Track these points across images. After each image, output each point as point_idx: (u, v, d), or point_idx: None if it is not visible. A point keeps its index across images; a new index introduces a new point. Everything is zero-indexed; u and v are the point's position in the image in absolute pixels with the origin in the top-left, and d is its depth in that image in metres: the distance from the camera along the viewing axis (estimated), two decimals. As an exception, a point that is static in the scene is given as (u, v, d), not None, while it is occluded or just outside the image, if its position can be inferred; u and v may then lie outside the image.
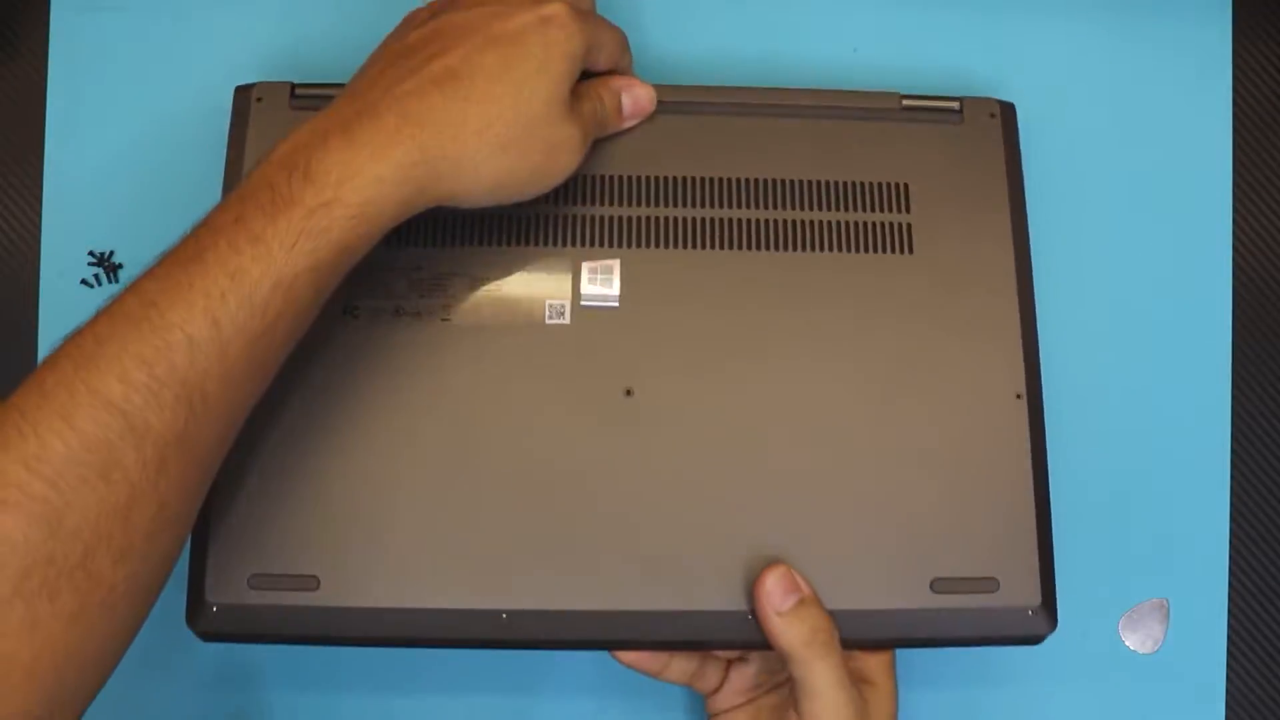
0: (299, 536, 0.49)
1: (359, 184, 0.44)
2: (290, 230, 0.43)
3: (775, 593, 0.48)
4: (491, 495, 0.50)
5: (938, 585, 0.50)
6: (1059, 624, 0.57)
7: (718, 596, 0.50)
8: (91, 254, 0.58)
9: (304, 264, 0.43)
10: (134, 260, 0.58)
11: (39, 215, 0.58)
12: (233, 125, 0.55)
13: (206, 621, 0.48)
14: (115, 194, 0.58)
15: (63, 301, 0.58)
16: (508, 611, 0.49)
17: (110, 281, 0.58)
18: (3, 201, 0.59)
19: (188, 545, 0.47)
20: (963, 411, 0.52)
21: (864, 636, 0.50)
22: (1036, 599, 0.51)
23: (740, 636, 0.50)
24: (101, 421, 0.40)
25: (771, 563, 0.49)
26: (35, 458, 0.39)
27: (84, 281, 0.58)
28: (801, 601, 0.48)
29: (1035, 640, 0.51)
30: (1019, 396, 0.53)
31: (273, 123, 0.54)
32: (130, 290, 0.43)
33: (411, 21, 0.51)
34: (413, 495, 0.50)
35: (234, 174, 0.54)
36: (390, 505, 0.50)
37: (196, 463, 0.43)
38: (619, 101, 0.53)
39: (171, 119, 0.59)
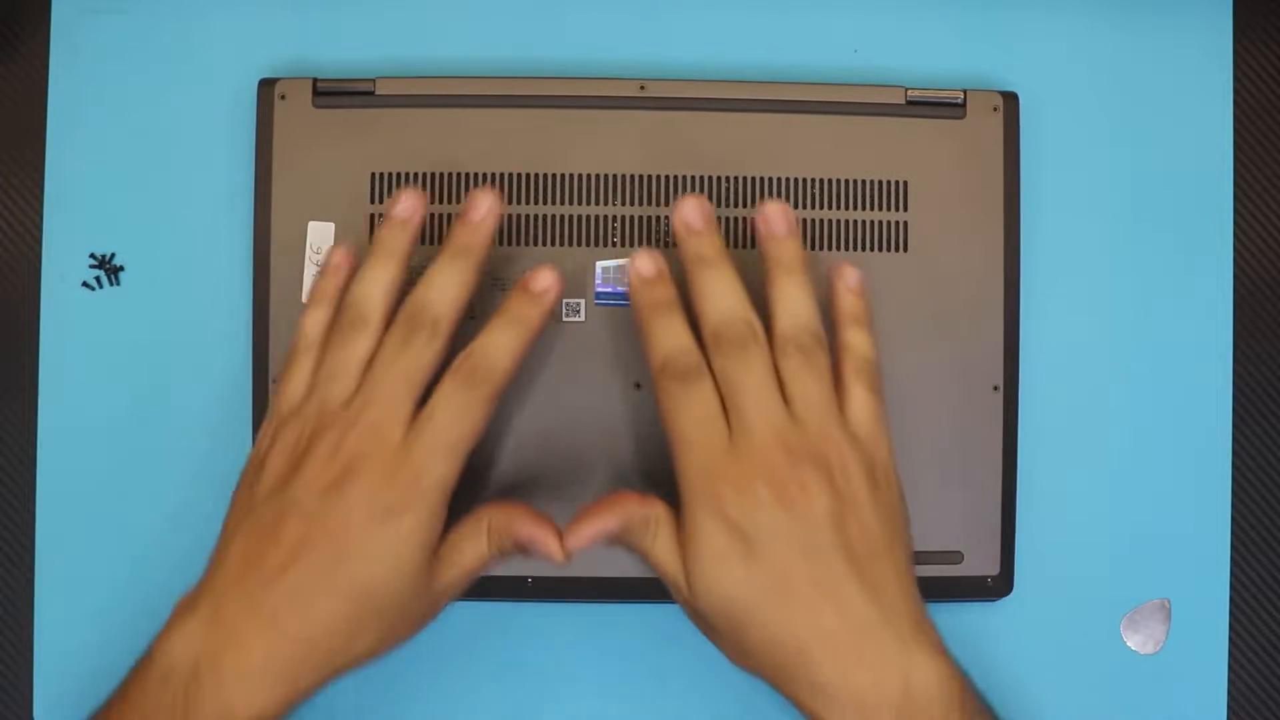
0: None
1: None
2: None
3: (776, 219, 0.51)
4: (514, 478, 0.55)
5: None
6: (1059, 623, 0.58)
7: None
8: (93, 256, 0.58)
9: None
10: (135, 262, 0.58)
11: (40, 217, 0.58)
12: (258, 123, 0.56)
13: None
14: (116, 196, 0.58)
15: (64, 305, 0.58)
16: (533, 578, 0.55)
17: (111, 284, 0.58)
18: (3, 203, 0.59)
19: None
20: (942, 401, 0.56)
21: None
22: (996, 569, 0.56)
23: None
24: None
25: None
26: None
27: (85, 284, 0.58)
28: (619, 531, 0.50)
29: (992, 599, 0.57)
30: (996, 389, 0.56)
31: (297, 119, 0.56)
32: None
33: (260, 479, 0.49)
34: None
35: (264, 172, 0.56)
36: None
37: None
38: (519, 547, 0.50)
39: (172, 121, 0.58)
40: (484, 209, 0.50)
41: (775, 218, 0.51)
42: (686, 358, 0.49)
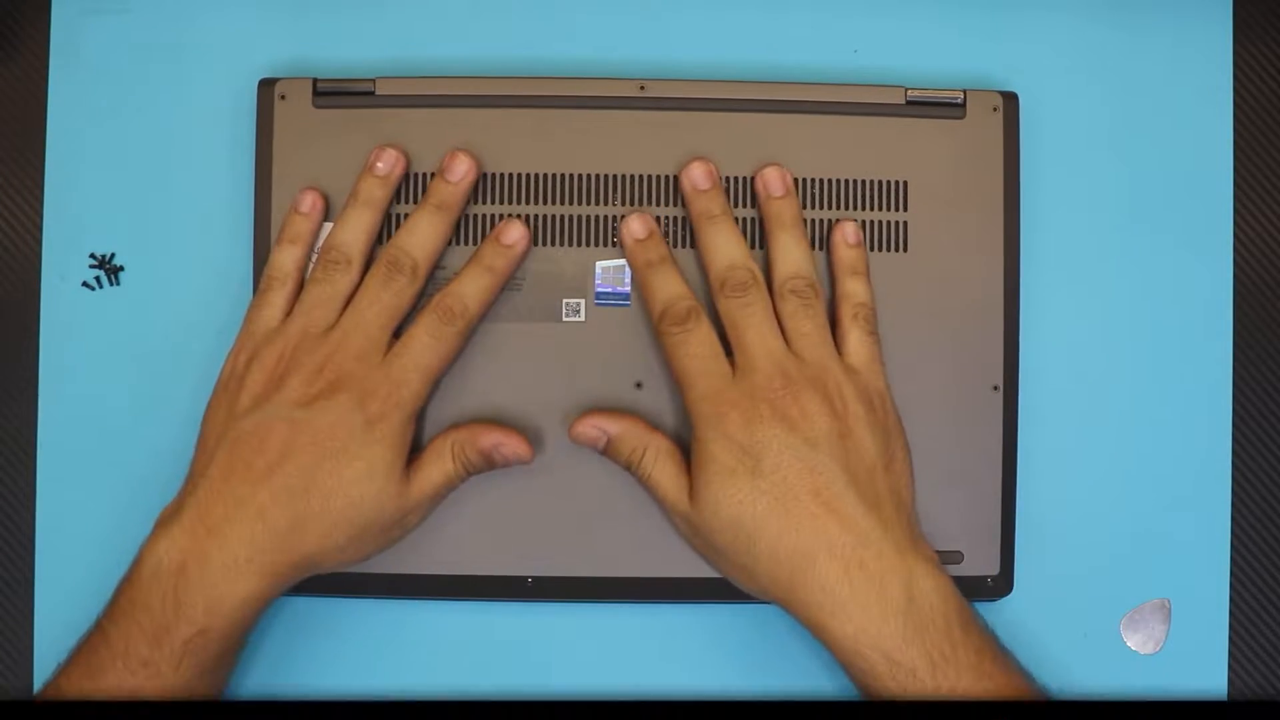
0: None
1: (225, 610, 0.50)
2: (174, 652, 0.49)
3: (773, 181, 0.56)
4: (516, 478, 0.55)
5: None
6: (1059, 623, 0.58)
7: (708, 565, 0.55)
8: (93, 256, 0.58)
9: (193, 671, 0.50)
10: (135, 262, 0.58)
11: (40, 217, 0.58)
12: (258, 123, 0.56)
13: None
14: (116, 196, 0.58)
15: (64, 304, 0.58)
16: (533, 577, 0.56)
17: (111, 284, 0.58)
18: (3, 203, 0.59)
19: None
20: (942, 401, 0.56)
21: None
22: (996, 569, 0.57)
23: (733, 599, 0.55)
24: None
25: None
26: None
27: (85, 284, 0.58)
28: (613, 437, 0.54)
29: (992, 599, 0.57)
30: (996, 389, 0.56)
31: (297, 119, 0.56)
32: (53, 684, 0.51)
33: (239, 397, 0.53)
34: None
35: (264, 172, 0.56)
36: None
37: None
38: (483, 457, 0.54)
39: (172, 121, 0.58)
40: (461, 170, 0.55)
41: (773, 180, 0.56)
42: (682, 303, 0.54)
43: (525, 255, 0.56)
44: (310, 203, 0.55)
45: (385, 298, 0.53)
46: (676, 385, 0.54)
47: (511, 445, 0.53)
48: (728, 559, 0.52)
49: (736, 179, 0.57)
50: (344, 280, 0.54)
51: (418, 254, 0.54)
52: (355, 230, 0.54)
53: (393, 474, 0.52)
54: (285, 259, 0.55)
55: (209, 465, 0.51)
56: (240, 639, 0.51)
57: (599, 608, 0.57)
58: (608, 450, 0.54)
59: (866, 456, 0.52)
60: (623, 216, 0.56)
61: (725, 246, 0.54)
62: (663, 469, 0.53)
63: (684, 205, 0.56)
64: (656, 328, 0.54)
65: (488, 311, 0.55)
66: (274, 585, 0.51)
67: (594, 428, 0.54)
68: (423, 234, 0.54)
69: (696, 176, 0.55)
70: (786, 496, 0.50)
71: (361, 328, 0.53)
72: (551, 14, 0.59)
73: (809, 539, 0.50)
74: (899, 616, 0.49)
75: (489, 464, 0.54)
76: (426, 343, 0.53)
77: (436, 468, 0.53)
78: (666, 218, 0.56)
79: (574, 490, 0.56)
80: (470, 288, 0.54)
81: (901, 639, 0.49)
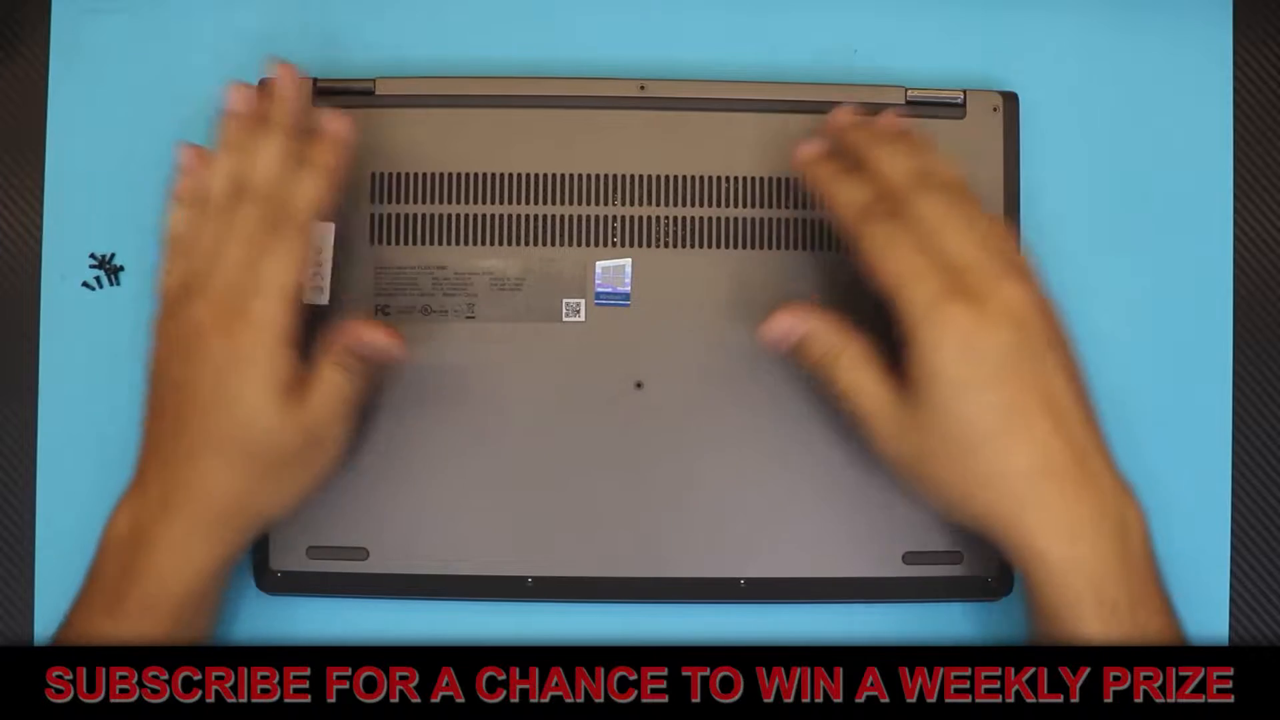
0: (350, 513, 0.56)
1: (164, 574, 0.50)
2: (128, 619, 0.49)
3: (779, 331, 0.52)
4: (516, 478, 0.56)
5: (908, 558, 0.56)
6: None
7: (714, 565, 0.56)
8: (93, 256, 0.58)
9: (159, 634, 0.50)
10: (135, 262, 0.58)
11: (40, 217, 0.58)
12: None
13: (272, 584, 0.56)
14: (116, 196, 0.58)
15: (64, 304, 0.58)
16: (533, 577, 0.55)
17: (111, 284, 0.58)
18: (3, 203, 0.59)
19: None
20: None
21: (843, 598, 0.56)
22: (995, 569, 0.56)
23: (733, 599, 0.56)
24: None
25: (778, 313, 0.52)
26: None
27: (85, 284, 0.58)
28: (805, 334, 0.51)
29: (992, 599, 0.57)
30: None
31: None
32: None
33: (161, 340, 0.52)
34: (447, 477, 0.56)
35: None
36: (429, 486, 0.56)
37: None
38: (355, 356, 0.52)
39: (172, 121, 0.58)
40: (334, 128, 0.53)
41: (843, 114, 0.54)
42: (886, 202, 0.50)
43: (350, 141, 0.53)
44: (189, 160, 0.53)
45: (237, 236, 0.51)
46: (883, 288, 0.49)
47: (373, 337, 0.52)
48: (937, 477, 0.49)
49: (738, 179, 0.56)
50: (209, 229, 0.52)
51: (271, 189, 0.52)
52: (220, 177, 0.52)
53: (273, 398, 0.49)
54: (174, 222, 0.53)
55: (143, 441, 0.52)
56: (191, 606, 0.51)
57: (599, 608, 0.57)
58: (798, 349, 0.51)
59: (1078, 367, 0.49)
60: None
61: (897, 155, 0.51)
62: (866, 375, 0.50)
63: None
64: (856, 226, 0.50)
65: (318, 212, 0.52)
66: (220, 553, 0.51)
67: (787, 326, 0.51)
68: (266, 164, 0.52)
69: (842, 115, 0.54)
70: (1016, 410, 0.47)
71: (219, 272, 0.51)
72: (551, 14, 0.59)
73: (1033, 457, 0.47)
74: (1113, 545, 0.47)
75: (364, 360, 0.52)
76: (268, 261, 0.50)
77: (324, 380, 0.51)
78: (666, 218, 0.56)
79: (574, 490, 0.56)
80: (297, 188, 0.51)
81: (1117, 568, 0.47)
